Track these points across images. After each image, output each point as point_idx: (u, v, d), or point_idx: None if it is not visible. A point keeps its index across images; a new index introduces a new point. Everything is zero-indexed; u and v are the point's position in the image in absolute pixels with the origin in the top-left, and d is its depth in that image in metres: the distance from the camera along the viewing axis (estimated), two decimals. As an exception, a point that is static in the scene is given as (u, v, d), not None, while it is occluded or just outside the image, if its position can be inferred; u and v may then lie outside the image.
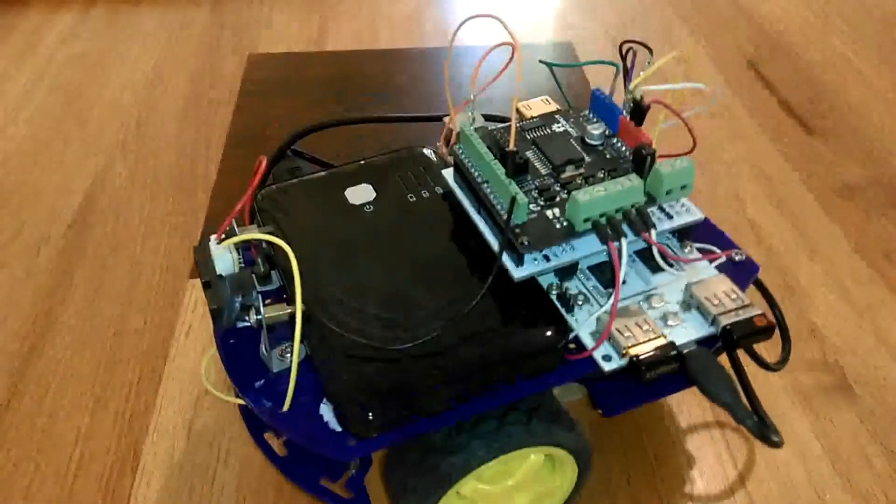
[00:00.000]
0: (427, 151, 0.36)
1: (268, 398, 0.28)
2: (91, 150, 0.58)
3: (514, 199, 0.27)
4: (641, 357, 0.26)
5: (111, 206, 0.52)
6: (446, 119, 0.37)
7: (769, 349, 0.41)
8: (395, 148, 0.37)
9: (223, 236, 0.29)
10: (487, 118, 0.37)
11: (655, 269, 0.30)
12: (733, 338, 0.27)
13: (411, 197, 0.34)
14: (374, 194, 0.34)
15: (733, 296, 0.28)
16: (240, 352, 0.30)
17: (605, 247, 0.28)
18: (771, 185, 0.54)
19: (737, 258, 0.32)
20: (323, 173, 0.35)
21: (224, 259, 0.28)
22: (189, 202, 0.53)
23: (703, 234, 0.33)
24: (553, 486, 0.32)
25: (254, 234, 0.28)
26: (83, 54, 0.70)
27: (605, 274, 0.30)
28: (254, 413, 0.33)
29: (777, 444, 0.26)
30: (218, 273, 0.28)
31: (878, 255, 0.48)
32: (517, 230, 0.28)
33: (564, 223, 0.28)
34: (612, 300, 0.27)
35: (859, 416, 0.39)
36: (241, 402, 0.30)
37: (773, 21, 0.74)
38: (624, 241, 0.27)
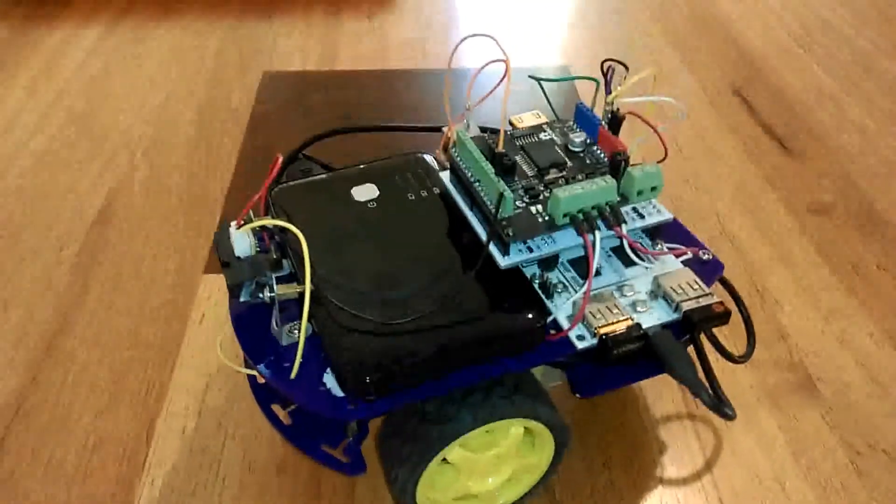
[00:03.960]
0: (427, 157, 0.40)
1: (277, 368, 0.31)
2: (104, 170, 0.61)
3: (501, 195, 0.31)
4: (610, 335, 0.30)
5: (123, 228, 0.55)
6: (445, 129, 0.41)
7: (739, 347, 0.45)
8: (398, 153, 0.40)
9: (242, 222, 0.32)
10: (482, 129, 0.41)
11: (628, 262, 0.34)
12: (693, 321, 0.30)
13: (411, 196, 0.37)
14: (378, 192, 0.37)
15: (695, 286, 0.32)
16: (252, 328, 0.33)
17: (581, 240, 0.32)
18: (749, 201, 0.57)
19: (704, 257, 0.36)
20: (331, 173, 0.39)
21: (242, 242, 0.32)
22: (197, 227, 0.55)
23: (675, 236, 0.36)
24: (533, 461, 0.35)
25: (268, 220, 0.31)
26: (102, 73, 0.74)
27: (583, 267, 0.34)
28: (262, 387, 0.37)
29: (730, 417, 0.29)
30: (236, 255, 0.32)
31: (845, 267, 0.51)
32: (504, 223, 0.31)
33: (546, 217, 0.32)
34: (586, 286, 0.31)
35: (821, 413, 0.42)
36: (251, 372, 0.33)
37: (757, 49, 0.78)
38: (597, 234, 0.30)
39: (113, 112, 0.68)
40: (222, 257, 0.32)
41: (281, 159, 0.33)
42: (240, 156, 0.62)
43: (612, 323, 0.30)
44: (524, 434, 0.34)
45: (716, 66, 0.75)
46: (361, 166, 0.39)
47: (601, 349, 0.30)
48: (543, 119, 0.39)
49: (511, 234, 0.31)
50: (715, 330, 0.38)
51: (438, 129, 0.42)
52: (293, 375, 0.30)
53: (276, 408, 0.35)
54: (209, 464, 0.39)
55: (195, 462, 0.39)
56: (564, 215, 0.31)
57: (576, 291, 0.33)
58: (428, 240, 0.35)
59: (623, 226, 0.31)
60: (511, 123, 0.40)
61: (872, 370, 0.44)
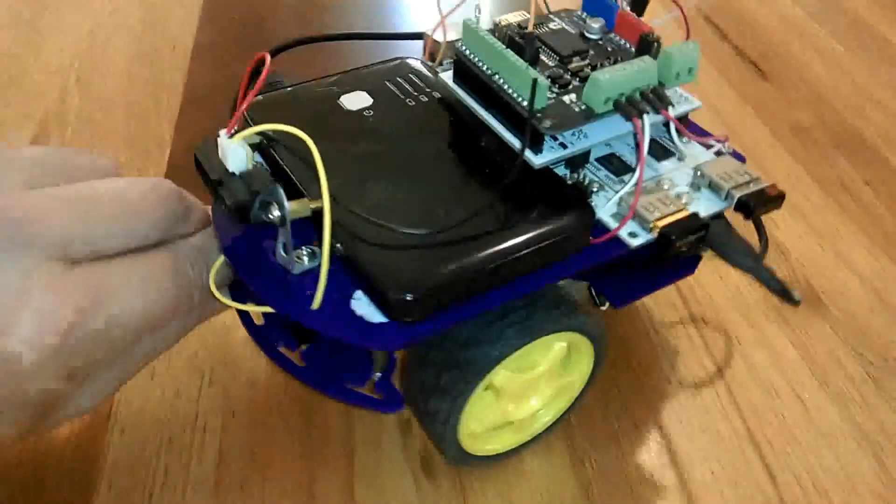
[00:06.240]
0: (415, 61, 0.36)
1: (292, 300, 0.27)
2: (32, 108, 0.53)
3: (535, 82, 0.27)
4: (670, 227, 0.27)
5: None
6: (427, 33, 0.37)
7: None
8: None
9: (233, 132, 0.27)
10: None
11: (660, 156, 0.31)
12: (750, 206, 0.28)
13: (409, 101, 0.33)
14: (371, 101, 0.33)
15: (741, 171, 0.30)
16: (248, 259, 0.28)
17: (613, 133, 0.29)
18: (731, 123, 0.56)
19: (725, 150, 0.34)
20: (312, 82, 0.34)
21: (237, 154, 0.26)
22: (143, 159, 0.49)
23: (691, 131, 0.34)
24: (569, 380, 0.32)
25: (271, 125, 0.26)
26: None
27: (613, 164, 0.31)
28: (260, 328, 0.32)
29: (797, 302, 0.28)
30: (231, 170, 0.27)
31: (834, 186, 0.51)
32: (539, 114, 0.28)
33: (583, 106, 0.28)
34: (634, 179, 0.28)
35: (830, 326, 0.41)
36: (261, 309, 0.29)
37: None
38: (646, 118, 0.27)
39: (35, 50, 0.59)
40: (212, 175, 0.27)
41: (269, 58, 0.28)
42: (185, 89, 0.55)
43: (668, 215, 0.28)
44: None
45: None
46: (345, 73, 0.34)
47: (660, 244, 0.27)
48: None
49: (549, 125, 0.27)
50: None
51: (419, 36, 0.38)
52: (316, 305, 0.26)
53: (283, 350, 0.30)
54: (185, 410, 0.34)
55: (168, 409, 0.34)
56: (606, 101, 0.28)
57: (613, 189, 0.30)
58: (441, 147, 0.31)
59: (670, 108, 0.28)
60: (495, 23, 0.36)
61: (874, 284, 0.44)
